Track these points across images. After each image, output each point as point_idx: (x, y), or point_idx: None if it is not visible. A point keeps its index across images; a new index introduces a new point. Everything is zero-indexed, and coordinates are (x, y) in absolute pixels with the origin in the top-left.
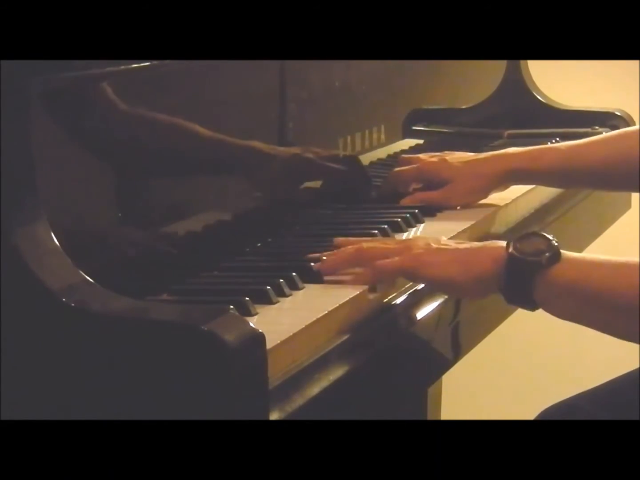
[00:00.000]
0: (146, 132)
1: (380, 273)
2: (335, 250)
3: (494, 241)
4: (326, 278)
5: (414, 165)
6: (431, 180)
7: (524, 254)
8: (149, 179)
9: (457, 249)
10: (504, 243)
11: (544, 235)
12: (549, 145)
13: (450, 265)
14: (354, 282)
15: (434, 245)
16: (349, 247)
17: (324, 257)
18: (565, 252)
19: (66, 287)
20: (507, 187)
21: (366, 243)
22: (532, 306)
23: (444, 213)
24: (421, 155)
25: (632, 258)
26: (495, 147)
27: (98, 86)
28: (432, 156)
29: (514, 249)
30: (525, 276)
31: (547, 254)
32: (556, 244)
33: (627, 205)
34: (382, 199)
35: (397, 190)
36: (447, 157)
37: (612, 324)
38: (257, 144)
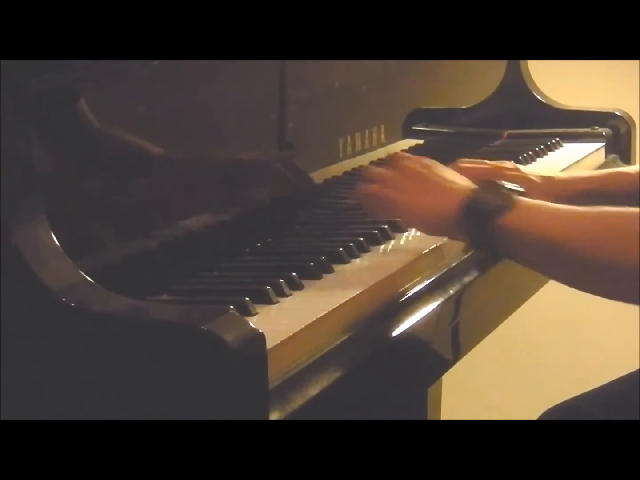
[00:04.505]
0: (144, 133)
1: (361, 196)
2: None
3: (468, 186)
4: None
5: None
6: None
7: (479, 203)
8: (148, 178)
9: (437, 185)
10: (471, 189)
11: (504, 185)
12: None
13: (422, 209)
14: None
15: (417, 183)
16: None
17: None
18: (523, 200)
19: (66, 287)
20: None
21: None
22: (493, 254)
23: None
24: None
25: (596, 207)
26: (495, 147)
27: (97, 87)
28: (501, 165)
29: (474, 196)
30: (479, 224)
31: (498, 203)
32: (512, 193)
33: None
34: None
35: None
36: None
37: (574, 277)
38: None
